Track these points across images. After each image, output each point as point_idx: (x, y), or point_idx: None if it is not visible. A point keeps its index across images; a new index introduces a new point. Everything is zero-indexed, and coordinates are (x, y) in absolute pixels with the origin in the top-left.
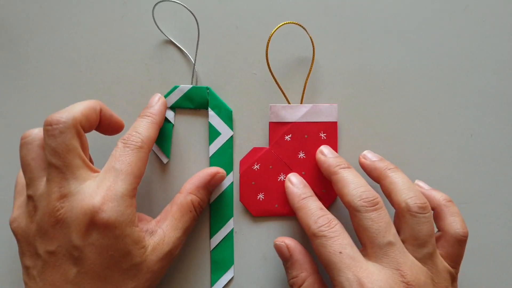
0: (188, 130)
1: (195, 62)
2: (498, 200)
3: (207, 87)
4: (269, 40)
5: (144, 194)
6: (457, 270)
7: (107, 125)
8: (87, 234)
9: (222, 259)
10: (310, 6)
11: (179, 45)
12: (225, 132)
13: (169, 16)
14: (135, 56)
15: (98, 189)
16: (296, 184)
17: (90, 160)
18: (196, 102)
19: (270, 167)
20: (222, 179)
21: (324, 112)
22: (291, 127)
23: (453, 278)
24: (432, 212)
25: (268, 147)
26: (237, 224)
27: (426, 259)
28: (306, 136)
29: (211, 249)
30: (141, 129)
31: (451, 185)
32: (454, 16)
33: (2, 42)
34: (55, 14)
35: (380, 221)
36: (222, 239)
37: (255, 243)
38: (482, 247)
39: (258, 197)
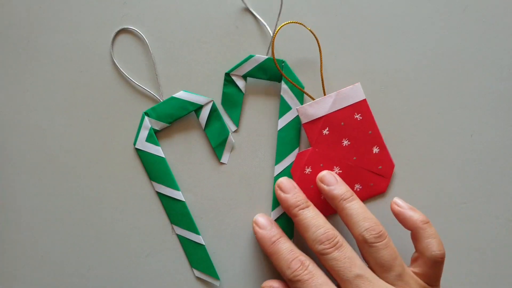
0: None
1: (273, 33)
2: (498, 200)
3: (282, 60)
4: (273, 41)
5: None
6: (436, 287)
7: None
8: None
9: None
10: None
11: (257, 15)
12: (296, 107)
13: None
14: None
15: None
16: (263, 225)
17: None
18: (269, 74)
19: (321, 165)
20: None
21: (350, 94)
22: (325, 121)
23: None
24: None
25: (311, 148)
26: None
27: (397, 281)
28: (342, 123)
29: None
30: None
31: (451, 185)
32: (454, 16)
33: (2, 42)
34: (55, 14)
35: (343, 258)
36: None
37: None
38: (482, 247)
39: (322, 197)
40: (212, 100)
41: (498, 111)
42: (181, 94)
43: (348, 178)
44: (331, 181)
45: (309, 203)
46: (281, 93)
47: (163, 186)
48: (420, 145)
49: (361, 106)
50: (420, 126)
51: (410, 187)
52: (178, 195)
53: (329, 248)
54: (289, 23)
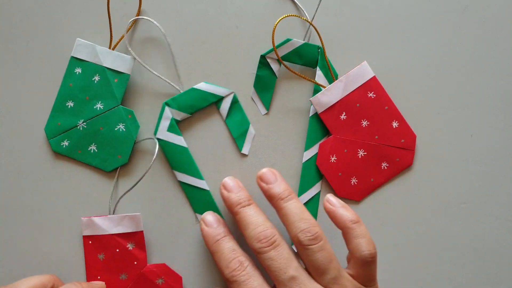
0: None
1: (312, 19)
2: (498, 200)
3: (318, 46)
4: (273, 35)
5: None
6: (374, 287)
7: None
8: None
9: None
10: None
11: (295, 0)
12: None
13: None
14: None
15: None
16: (210, 223)
17: None
18: (304, 59)
19: (345, 151)
20: None
21: (359, 74)
22: (340, 106)
23: None
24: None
25: (332, 136)
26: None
27: (332, 284)
28: (358, 105)
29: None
30: None
31: (451, 185)
32: (454, 16)
33: (2, 42)
34: (55, 14)
35: (279, 259)
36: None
37: None
38: (482, 247)
39: (352, 182)
40: (233, 92)
41: (498, 111)
42: (202, 86)
43: (373, 157)
44: (270, 179)
45: (252, 201)
46: (316, 79)
47: (186, 175)
48: (420, 145)
49: (373, 84)
50: (420, 126)
51: (410, 187)
52: (202, 184)
53: (266, 247)
54: (288, 16)
